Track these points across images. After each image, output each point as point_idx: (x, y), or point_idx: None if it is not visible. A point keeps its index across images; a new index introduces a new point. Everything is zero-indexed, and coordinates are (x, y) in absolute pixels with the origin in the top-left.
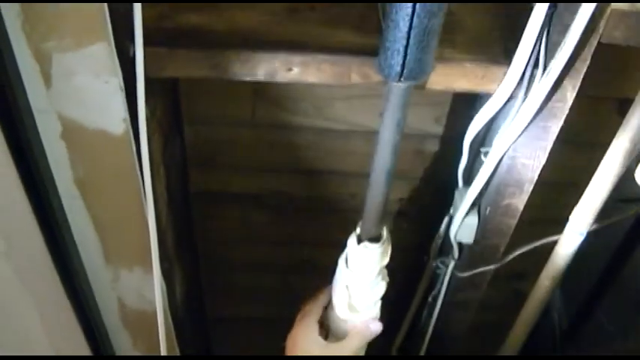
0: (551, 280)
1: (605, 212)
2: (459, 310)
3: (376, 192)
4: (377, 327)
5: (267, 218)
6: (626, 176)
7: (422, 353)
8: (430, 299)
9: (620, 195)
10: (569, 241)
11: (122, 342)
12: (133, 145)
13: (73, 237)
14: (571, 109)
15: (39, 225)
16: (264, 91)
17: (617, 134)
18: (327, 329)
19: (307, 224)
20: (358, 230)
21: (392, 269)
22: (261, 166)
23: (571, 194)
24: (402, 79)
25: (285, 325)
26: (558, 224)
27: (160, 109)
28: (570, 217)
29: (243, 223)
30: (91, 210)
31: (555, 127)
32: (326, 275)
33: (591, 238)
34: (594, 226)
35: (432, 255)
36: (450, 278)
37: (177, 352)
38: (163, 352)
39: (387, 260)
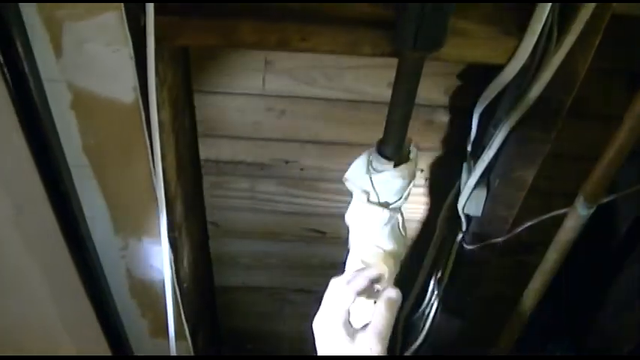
0: (560, 253)
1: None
2: (465, 281)
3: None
4: (395, 292)
5: (275, 188)
6: None
7: (429, 323)
8: (437, 271)
9: None
10: (578, 214)
11: (130, 312)
12: (143, 114)
13: (82, 206)
14: (582, 81)
15: (48, 193)
16: (274, 61)
17: (630, 107)
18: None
19: (315, 194)
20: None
21: None
22: (271, 136)
23: (581, 167)
24: (415, 49)
25: (292, 294)
26: (567, 197)
27: (170, 78)
28: (580, 190)
29: (251, 192)
30: (100, 179)
31: (567, 99)
32: (333, 245)
33: (600, 211)
34: (604, 200)
35: (440, 227)
36: (458, 250)
37: (184, 321)
38: (170, 321)
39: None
